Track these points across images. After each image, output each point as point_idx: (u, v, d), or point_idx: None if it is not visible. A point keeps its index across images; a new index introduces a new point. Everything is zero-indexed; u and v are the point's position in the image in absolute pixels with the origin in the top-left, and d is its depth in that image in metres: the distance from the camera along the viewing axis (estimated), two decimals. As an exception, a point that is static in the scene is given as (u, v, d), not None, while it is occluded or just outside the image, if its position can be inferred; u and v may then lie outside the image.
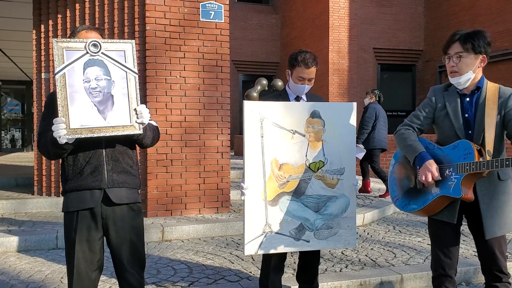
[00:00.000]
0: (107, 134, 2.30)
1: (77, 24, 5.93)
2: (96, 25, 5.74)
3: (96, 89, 2.30)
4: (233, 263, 4.25)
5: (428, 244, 4.48)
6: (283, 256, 3.13)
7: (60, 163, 2.59)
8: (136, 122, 2.35)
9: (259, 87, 10.81)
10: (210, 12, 5.86)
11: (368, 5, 14.73)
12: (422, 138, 2.72)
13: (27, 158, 12.75)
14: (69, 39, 2.32)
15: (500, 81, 2.83)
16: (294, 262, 4.11)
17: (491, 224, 2.50)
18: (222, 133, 6.00)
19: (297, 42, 15.98)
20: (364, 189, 7.68)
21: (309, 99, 3.18)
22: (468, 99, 2.59)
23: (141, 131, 2.38)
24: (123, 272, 2.50)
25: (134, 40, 2.42)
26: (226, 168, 6.03)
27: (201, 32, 5.85)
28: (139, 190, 2.61)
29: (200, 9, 5.84)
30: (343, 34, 14.21)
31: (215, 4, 5.89)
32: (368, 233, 5.43)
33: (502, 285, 2.58)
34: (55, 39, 2.26)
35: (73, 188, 2.43)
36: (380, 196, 7.34)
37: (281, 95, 3.21)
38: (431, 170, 2.49)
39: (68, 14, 6.19)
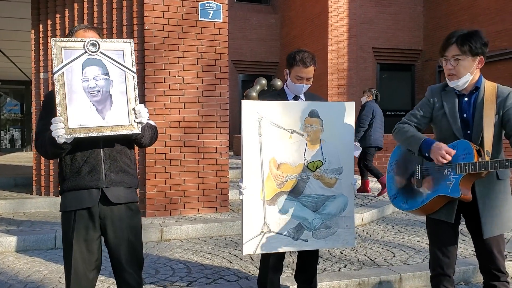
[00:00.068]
0: (106, 134, 2.30)
1: (76, 24, 5.92)
2: (95, 25, 5.73)
3: (94, 89, 2.29)
4: (231, 262, 4.24)
5: (427, 244, 4.47)
6: (281, 255, 3.13)
7: (58, 162, 2.59)
8: (134, 121, 2.34)
9: (258, 87, 10.80)
10: (209, 11, 5.85)
11: (368, 5, 14.73)
12: None
13: (26, 158, 12.74)
14: (67, 39, 2.32)
15: (498, 80, 2.83)
16: (293, 262, 4.10)
17: (489, 223, 2.50)
18: (221, 133, 6.00)
19: (296, 41, 15.98)
20: (364, 188, 7.68)
21: (308, 98, 3.18)
22: (466, 99, 2.58)
23: (139, 131, 2.37)
24: (121, 272, 2.49)
25: (132, 40, 2.42)
26: (225, 167, 6.03)
27: (200, 32, 5.85)
28: (137, 190, 2.60)
29: (199, 8, 5.84)
30: (342, 34, 14.21)
31: (214, 3, 5.89)
32: (367, 233, 5.43)
33: (501, 284, 2.58)
34: (54, 38, 2.26)
35: (70, 187, 2.42)
36: (378, 194, 7.35)
37: (279, 95, 3.20)
38: (444, 149, 2.44)
39: (66, 13, 6.18)
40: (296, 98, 3.16)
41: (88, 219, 2.42)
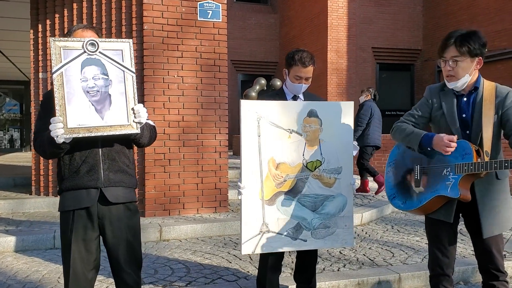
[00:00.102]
0: (105, 134, 2.30)
1: (75, 24, 5.92)
2: (94, 25, 5.72)
3: (93, 89, 2.29)
4: (230, 262, 4.24)
5: (426, 244, 4.47)
6: (280, 255, 3.13)
7: (56, 162, 2.59)
8: (133, 121, 2.34)
9: (257, 87, 10.81)
10: (208, 11, 5.85)
11: (367, 5, 14.73)
12: None
13: (25, 158, 12.73)
14: (66, 38, 2.32)
15: (498, 80, 2.82)
16: (292, 262, 4.10)
17: (489, 223, 2.50)
18: (220, 133, 5.99)
19: (295, 41, 15.98)
20: (363, 188, 7.68)
21: (306, 98, 3.17)
22: (465, 99, 2.58)
23: (138, 131, 2.37)
24: (119, 272, 2.49)
25: (131, 40, 2.41)
26: (224, 167, 6.03)
27: (199, 32, 5.85)
28: (135, 190, 2.59)
29: (198, 8, 5.83)
30: (341, 34, 14.21)
31: (213, 3, 5.89)
32: (366, 233, 5.42)
33: (500, 284, 2.58)
34: (53, 38, 2.26)
35: (69, 187, 2.42)
36: (376, 193, 7.39)
37: (278, 94, 3.20)
38: (445, 138, 2.42)
39: (65, 13, 6.18)
40: (295, 97, 3.15)
41: (87, 219, 2.42)
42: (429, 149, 2.55)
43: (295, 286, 3.36)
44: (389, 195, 2.82)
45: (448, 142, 2.41)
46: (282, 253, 3.12)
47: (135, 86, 2.37)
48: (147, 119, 2.45)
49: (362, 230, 5.54)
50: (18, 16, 7.87)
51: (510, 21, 12.05)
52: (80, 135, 2.26)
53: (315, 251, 3.20)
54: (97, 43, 2.29)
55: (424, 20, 15.39)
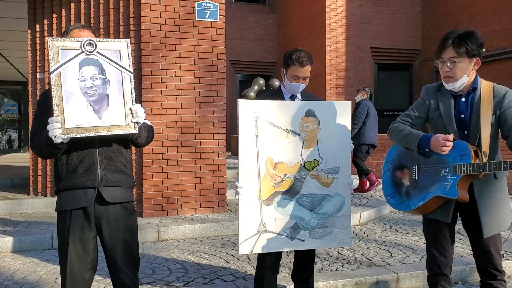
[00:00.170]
0: (103, 134, 2.30)
1: (73, 24, 5.91)
2: (92, 25, 5.71)
3: (91, 89, 2.29)
4: (228, 262, 4.24)
5: (424, 243, 4.46)
6: (278, 255, 3.12)
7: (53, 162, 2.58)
8: (131, 121, 2.34)
9: (256, 87, 10.79)
10: (206, 11, 5.84)
11: (365, 5, 14.73)
12: None
13: (23, 158, 12.72)
14: (64, 38, 2.31)
15: (496, 80, 2.82)
16: (290, 262, 4.10)
17: (489, 222, 2.50)
18: (218, 133, 5.99)
19: (294, 41, 15.97)
20: (361, 188, 7.69)
21: (304, 98, 3.17)
22: (463, 99, 2.57)
23: (136, 131, 2.37)
24: (117, 272, 2.48)
25: (129, 40, 2.41)
26: (222, 167, 6.02)
27: (197, 31, 5.84)
28: (133, 189, 2.59)
29: (196, 8, 5.83)
30: (340, 34, 14.20)
31: (211, 3, 5.88)
32: (364, 232, 5.42)
33: (497, 283, 2.58)
34: (50, 38, 2.25)
35: (66, 187, 2.41)
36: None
37: (276, 94, 3.20)
38: (441, 138, 2.42)
39: (63, 13, 6.16)
40: (292, 97, 3.15)
41: (84, 219, 2.41)
42: (427, 150, 2.54)
43: (293, 286, 3.36)
44: (387, 195, 2.82)
45: (443, 142, 2.41)
46: (280, 253, 3.12)
47: (133, 86, 2.37)
48: (144, 119, 2.44)
49: (361, 230, 5.53)
50: (16, 16, 7.86)
51: (509, 21, 12.06)
52: (78, 135, 2.25)
53: (313, 251, 3.20)
54: (95, 43, 2.29)
55: (422, 20, 15.40)
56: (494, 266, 2.57)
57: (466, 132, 2.54)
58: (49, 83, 2.30)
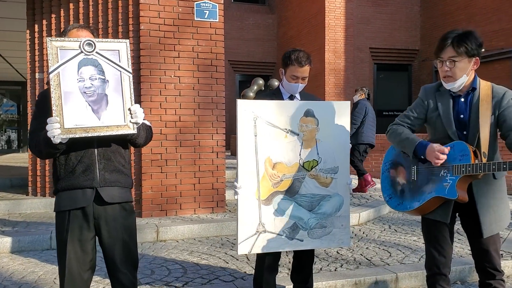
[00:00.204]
0: (101, 134, 2.29)
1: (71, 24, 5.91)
2: (90, 25, 5.71)
3: (90, 89, 2.29)
4: (227, 263, 4.23)
5: (423, 243, 4.45)
6: (277, 255, 3.12)
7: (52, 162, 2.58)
8: (130, 121, 2.34)
9: (255, 87, 10.79)
10: (205, 11, 5.84)
11: (364, 5, 14.74)
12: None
13: (22, 158, 12.70)
14: (63, 38, 2.31)
15: (495, 80, 2.82)
16: (289, 262, 4.09)
17: (489, 222, 2.49)
18: (217, 133, 5.99)
19: (293, 42, 15.97)
20: (360, 188, 7.69)
21: (303, 98, 3.17)
22: (462, 99, 2.57)
23: (135, 131, 2.37)
24: (115, 272, 2.48)
25: (128, 40, 2.41)
26: (221, 168, 6.02)
27: (196, 32, 5.84)
28: (131, 190, 2.58)
29: (195, 8, 5.83)
30: (339, 34, 14.21)
31: (209, 3, 5.88)
32: (363, 232, 5.42)
33: (496, 283, 2.58)
34: (49, 38, 2.25)
35: (65, 187, 2.41)
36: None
37: (275, 94, 3.20)
38: (436, 150, 2.42)
39: (62, 13, 6.16)
40: (291, 97, 3.15)
41: (82, 219, 2.41)
42: (422, 157, 2.54)
43: (292, 286, 3.36)
44: (386, 195, 2.82)
45: (438, 154, 2.41)
46: (279, 253, 3.12)
47: (132, 86, 2.37)
48: (143, 119, 2.44)
49: (360, 230, 5.53)
50: (14, 16, 7.85)
51: (508, 21, 12.07)
52: (77, 136, 2.25)
53: (312, 251, 3.20)
54: (94, 43, 2.28)
55: (421, 20, 15.41)
56: (493, 266, 2.57)
57: (465, 133, 2.54)
58: (48, 83, 2.29)
